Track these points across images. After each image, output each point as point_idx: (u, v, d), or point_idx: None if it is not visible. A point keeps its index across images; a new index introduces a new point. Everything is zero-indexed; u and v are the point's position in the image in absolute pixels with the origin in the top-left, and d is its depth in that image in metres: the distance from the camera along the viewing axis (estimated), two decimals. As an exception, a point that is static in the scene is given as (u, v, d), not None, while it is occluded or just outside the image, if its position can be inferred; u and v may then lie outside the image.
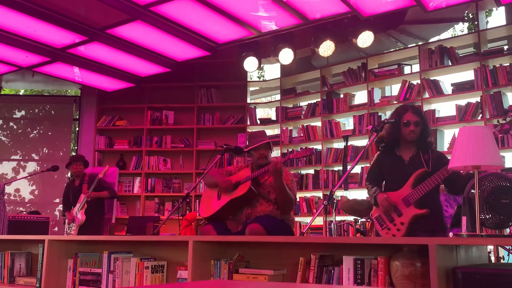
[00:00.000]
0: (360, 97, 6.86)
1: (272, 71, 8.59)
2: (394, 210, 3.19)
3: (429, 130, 3.34)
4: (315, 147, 6.82)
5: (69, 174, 8.01)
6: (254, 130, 7.33)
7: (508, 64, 5.53)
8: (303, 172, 6.90)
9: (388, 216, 3.22)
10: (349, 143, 6.28)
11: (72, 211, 5.65)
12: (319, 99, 6.81)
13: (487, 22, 6.36)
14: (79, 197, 5.67)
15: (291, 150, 7.03)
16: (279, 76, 7.41)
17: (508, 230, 3.55)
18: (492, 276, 1.94)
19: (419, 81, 6.06)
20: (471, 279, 1.97)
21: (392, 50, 6.63)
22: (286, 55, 6.28)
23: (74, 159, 5.89)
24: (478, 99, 5.65)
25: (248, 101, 7.54)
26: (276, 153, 6.81)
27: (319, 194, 6.67)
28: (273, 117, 7.52)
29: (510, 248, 3.83)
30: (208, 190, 3.90)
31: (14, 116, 8.17)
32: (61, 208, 6.09)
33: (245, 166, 3.86)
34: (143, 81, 7.22)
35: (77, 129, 8.18)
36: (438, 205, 3.26)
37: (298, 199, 6.68)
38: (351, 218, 5.89)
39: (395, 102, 6.21)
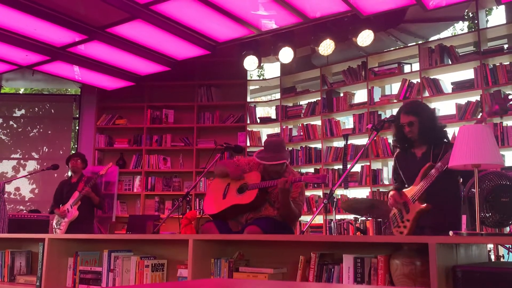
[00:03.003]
0: (360, 95, 6.87)
1: (272, 69, 8.60)
2: (404, 207, 3.18)
3: (431, 124, 3.25)
4: (315, 146, 6.83)
5: (69, 173, 8.01)
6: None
7: (508, 63, 5.53)
8: (303, 170, 6.90)
9: (400, 214, 3.22)
10: (349, 141, 6.28)
11: (63, 207, 5.64)
12: (319, 98, 6.81)
13: (487, 21, 6.35)
14: (72, 194, 5.67)
15: (291, 148, 7.03)
16: (279, 74, 7.41)
17: (508, 228, 3.55)
18: (492, 274, 1.95)
19: (419, 80, 6.06)
20: (471, 278, 1.97)
21: (392, 49, 6.63)
22: (286, 54, 6.28)
23: (73, 155, 5.95)
24: (478, 97, 5.65)
25: (248, 99, 7.54)
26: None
27: (319, 192, 6.68)
28: (273, 116, 7.52)
29: (510, 246, 3.84)
30: (214, 185, 3.81)
31: (14, 115, 8.17)
32: (50, 207, 6.02)
33: (255, 167, 3.73)
34: (143, 80, 7.22)
35: (77, 127, 8.18)
36: (449, 200, 3.14)
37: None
38: (351, 216, 5.90)
39: (395, 101, 6.22)
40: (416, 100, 5.63)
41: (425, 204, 3.08)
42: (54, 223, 5.75)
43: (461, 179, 3.20)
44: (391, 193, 3.27)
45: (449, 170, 3.01)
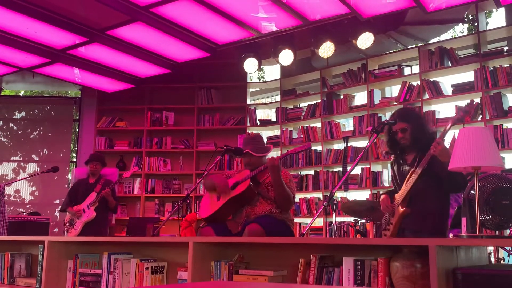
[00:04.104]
0: (360, 98, 6.87)
1: (272, 72, 8.59)
2: (391, 211, 3.26)
3: (422, 130, 3.32)
4: (315, 148, 6.82)
5: (69, 175, 8.02)
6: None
7: (508, 65, 5.54)
8: (303, 173, 6.90)
9: (388, 217, 3.29)
10: (349, 144, 6.28)
11: (79, 206, 5.62)
12: (319, 100, 6.82)
13: (487, 23, 6.36)
14: (89, 194, 5.66)
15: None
16: (279, 77, 7.42)
17: (508, 231, 3.55)
18: (492, 277, 1.94)
19: (419, 82, 6.06)
20: (471, 280, 1.97)
21: (392, 51, 6.63)
22: (286, 56, 6.28)
23: (92, 159, 5.88)
24: (478, 100, 5.66)
25: (248, 102, 7.54)
26: (276, 154, 6.81)
27: (319, 195, 6.67)
28: (273, 118, 7.52)
29: (510, 249, 3.83)
30: (207, 195, 3.91)
31: (14, 117, 8.17)
32: (62, 204, 6.01)
33: (244, 168, 3.87)
34: (143, 82, 7.22)
35: (77, 130, 8.18)
36: (430, 203, 3.19)
37: (298, 200, 6.68)
38: (351, 219, 5.90)
39: (395, 103, 6.22)
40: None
41: (404, 209, 3.16)
42: (66, 223, 5.73)
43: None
44: (382, 197, 3.35)
45: (432, 175, 3.07)
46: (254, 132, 7.39)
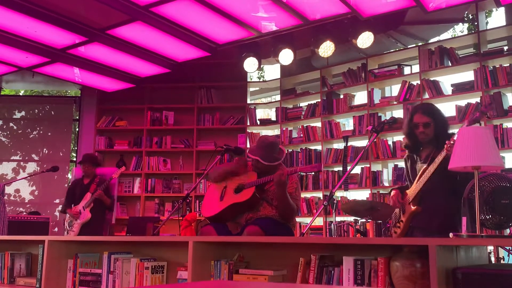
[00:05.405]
0: (360, 97, 6.87)
1: (272, 71, 8.60)
2: (401, 208, 3.23)
3: (445, 128, 3.24)
4: (315, 147, 6.83)
5: (69, 175, 8.01)
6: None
7: (508, 64, 5.54)
8: (303, 172, 6.89)
9: (398, 214, 3.27)
10: (349, 143, 6.29)
11: (76, 208, 5.64)
12: (319, 100, 6.82)
13: (487, 23, 6.36)
14: (85, 195, 5.67)
15: (291, 150, 7.03)
16: (279, 76, 7.42)
17: (508, 230, 3.56)
18: (492, 276, 1.94)
19: (419, 82, 6.06)
20: (471, 280, 1.97)
21: (392, 50, 6.63)
22: (286, 56, 6.28)
23: (83, 161, 5.88)
24: (478, 99, 5.66)
25: (248, 101, 7.54)
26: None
27: (319, 194, 6.67)
28: (273, 118, 7.52)
29: (510, 248, 3.84)
30: (211, 189, 3.83)
31: (14, 116, 8.17)
32: (61, 206, 6.04)
33: (250, 168, 3.79)
34: (143, 82, 7.22)
35: (77, 129, 8.18)
36: (440, 202, 3.15)
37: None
38: (351, 218, 5.90)
39: (395, 102, 6.22)
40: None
41: (415, 207, 3.13)
42: (66, 224, 5.75)
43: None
44: (392, 192, 3.29)
45: (444, 173, 3.01)
46: (254, 132, 7.39)
